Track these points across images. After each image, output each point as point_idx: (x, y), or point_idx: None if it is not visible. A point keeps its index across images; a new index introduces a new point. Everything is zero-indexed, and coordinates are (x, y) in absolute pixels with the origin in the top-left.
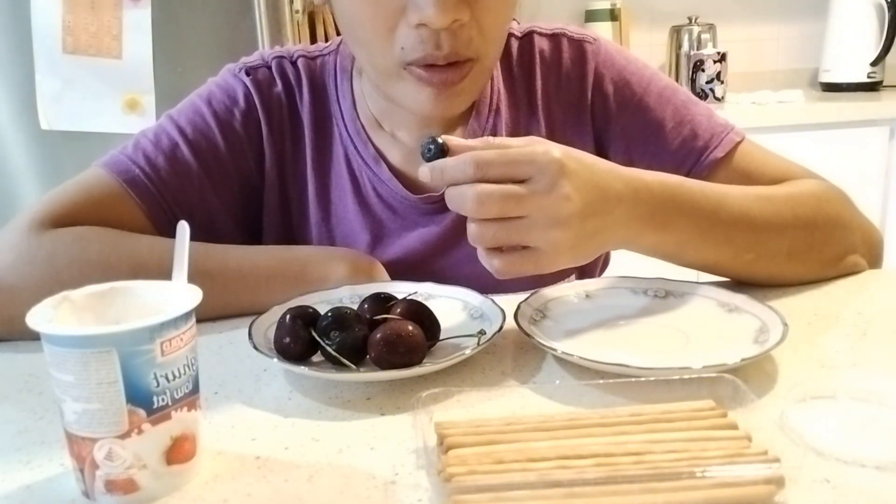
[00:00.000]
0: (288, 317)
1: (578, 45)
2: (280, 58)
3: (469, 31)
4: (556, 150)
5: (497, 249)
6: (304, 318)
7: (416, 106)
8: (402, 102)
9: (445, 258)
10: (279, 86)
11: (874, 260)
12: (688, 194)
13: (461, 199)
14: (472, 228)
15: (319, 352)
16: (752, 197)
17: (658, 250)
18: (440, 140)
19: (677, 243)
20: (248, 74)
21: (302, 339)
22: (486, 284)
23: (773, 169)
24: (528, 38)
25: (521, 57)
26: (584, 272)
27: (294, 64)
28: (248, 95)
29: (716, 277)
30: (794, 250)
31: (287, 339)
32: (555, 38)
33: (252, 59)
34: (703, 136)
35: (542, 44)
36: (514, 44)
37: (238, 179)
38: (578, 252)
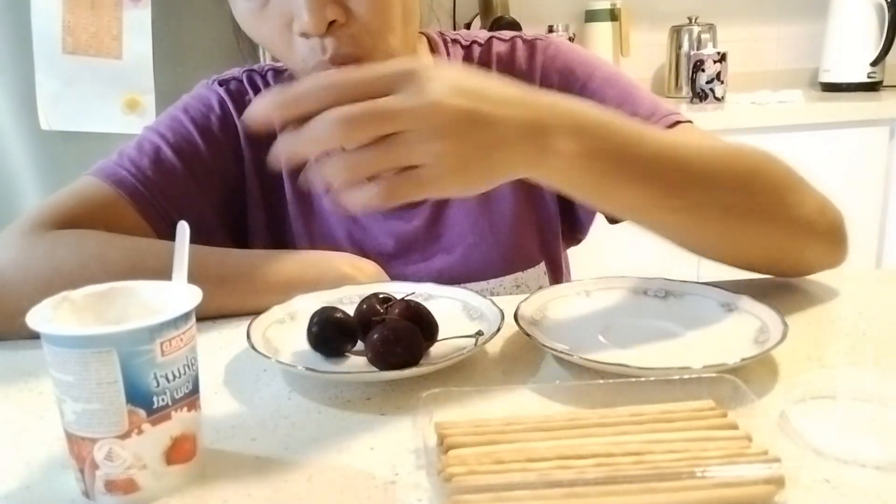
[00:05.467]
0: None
1: (531, 44)
2: (251, 71)
3: (350, 30)
4: (417, 61)
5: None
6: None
7: None
8: None
9: (419, 253)
10: (251, 94)
11: (837, 240)
12: (605, 119)
13: (321, 128)
14: (342, 161)
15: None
16: (682, 140)
17: (569, 183)
18: None
19: (588, 174)
20: (220, 85)
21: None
22: (459, 275)
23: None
24: (488, 43)
25: (480, 62)
26: (548, 247)
27: (264, 76)
28: (222, 103)
29: (716, 277)
30: (732, 205)
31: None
32: (511, 41)
33: (224, 75)
34: (642, 115)
35: (499, 47)
36: (476, 50)
37: (221, 180)
38: (468, 173)
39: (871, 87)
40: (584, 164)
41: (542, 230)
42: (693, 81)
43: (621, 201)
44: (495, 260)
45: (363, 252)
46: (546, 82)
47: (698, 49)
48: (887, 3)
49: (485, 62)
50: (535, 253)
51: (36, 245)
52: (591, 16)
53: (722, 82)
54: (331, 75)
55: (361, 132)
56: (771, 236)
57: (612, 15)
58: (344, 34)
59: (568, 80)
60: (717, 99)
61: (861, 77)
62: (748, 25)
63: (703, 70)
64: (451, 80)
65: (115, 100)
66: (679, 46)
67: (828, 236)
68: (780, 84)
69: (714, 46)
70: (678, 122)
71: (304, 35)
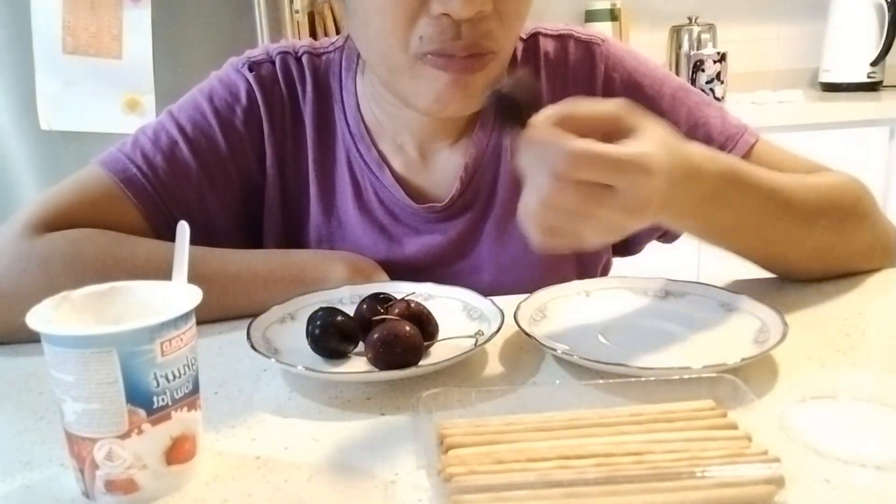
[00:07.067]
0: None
1: (586, 46)
2: (285, 53)
3: (490, 23)
4: (657, 164)
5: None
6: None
7: (430, 99)
8: (413, 99)
9: (447, 268)
10: (282, 83)
11: (889, 258)
12: (725, 168)
13: (553, 156)
14: (532, 207)
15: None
16: (788, 183)
17: (681, 222)
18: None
19: (704, 216)
20: (251, 70)
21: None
22: (486, 295)
23: (792, 169)
24: (533, 39)
25: (525, 59)
26: (585, 273)
27: (298, 60)
28: (250, 92)
29: (716, 277)
30: (822, 240)
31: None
32: (561, 38)
33: (256, 53)
34: (717, 140)
35: (547, 45)
36: (519, 45)
37: (239, 179)
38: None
39: (871, 87)
40: (705, 207)
41: (580, 251)
42: (693, 81)
43: (722, 238)
44: (525, 282)
45: (387, 262)
46: (608, 94)
47: (698, 49)
48: (887, 3)
49: (531, 62)
50: (569, 273)
51: (29, 255)
52: (591, 16)
53: (722, 82)
54: (574, 149)
55: (566, 203)
56: (847, 262)
57: (612, 15)
58: (483, 26)
59: (636, 96)
60: (717, 99)
61: (861, 77)
62: (748, 25)
63: (703, 70)
64: (664, 190)
65: (115, 100)
66: (679, 46)
67: (888, 252)
68: (780, 84)
69: (714, 46)
70: (752, 145)
71: (446, 15)
